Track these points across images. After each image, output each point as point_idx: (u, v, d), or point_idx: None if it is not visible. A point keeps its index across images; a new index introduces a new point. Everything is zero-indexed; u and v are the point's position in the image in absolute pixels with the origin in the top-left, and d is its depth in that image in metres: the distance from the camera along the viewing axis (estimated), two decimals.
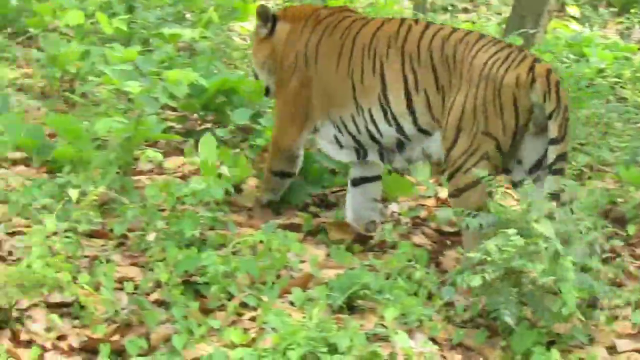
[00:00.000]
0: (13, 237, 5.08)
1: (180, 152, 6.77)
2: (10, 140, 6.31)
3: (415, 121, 5.37)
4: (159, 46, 8.40)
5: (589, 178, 6.28)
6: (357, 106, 5.53)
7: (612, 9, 12.39)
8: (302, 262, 5.06)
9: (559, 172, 4.98)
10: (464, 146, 5.10)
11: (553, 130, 4.96)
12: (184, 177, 6.16)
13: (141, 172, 6.34)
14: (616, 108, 7.76)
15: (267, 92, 6.08)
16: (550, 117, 4.97)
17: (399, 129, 5.42)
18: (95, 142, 6.20)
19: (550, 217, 4.47)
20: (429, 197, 6.29)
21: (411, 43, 5.38)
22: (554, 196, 4.81)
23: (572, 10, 12.51)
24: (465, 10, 12.43)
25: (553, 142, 4.97)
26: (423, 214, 6.06)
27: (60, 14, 8.56)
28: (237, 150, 6.60)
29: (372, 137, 5.55)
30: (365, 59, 5.51)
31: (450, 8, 12.03)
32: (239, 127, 6.85)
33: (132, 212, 5.23)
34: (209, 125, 7.14)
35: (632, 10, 12.27)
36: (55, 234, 4.65)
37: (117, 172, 5.72)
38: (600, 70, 9.06)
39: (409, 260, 5.02)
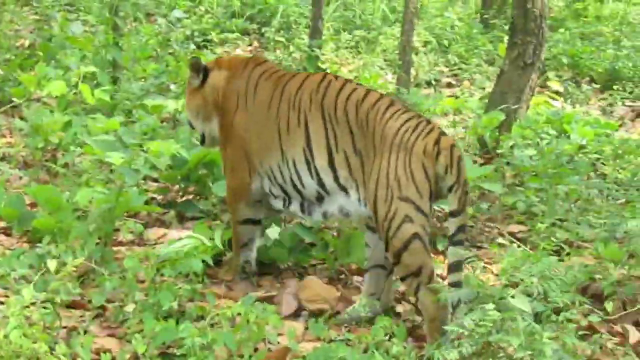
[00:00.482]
0: None
1: (161, 224, 6.83)
2: None
3: (336, 177, 5.53)
4: (142, 118, 8.51)
5: (568, 254, 6.33)
6: (283, 156, 5.70)
7: (594, 86, 12.59)
8: (280, 335, 5.08)
9: (459, 243, 5.13)
10: (384, 212, 5.24)
11: (452, 203, 5.16)
12: None
13: (121, 243, 6.39)
14: (596, 184, 7.86)
15: (203, 140, 6.23)
16: (450, 190, 5.17)
17: (320, 182, 5.59)
18: (76, 212, 6.27)
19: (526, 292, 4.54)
20: None
21: (330, 100, 5.57)
22: (456, 266, 5.05)
23: (555, 86, 12.70)
24: (449, 85, 12.62)
25: (452, 214, 5.15)
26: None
27: (44, 83, 8.67)
28: (217, 222, 6.67)
29: (295, 187, 5.70)
30: (291, 111, 5.69)
31: (434, 83, 12.22)
32: (219, 199, 6.92)
33: (111, 283, 5.28)
34: (190, 196, 7.22)
35: (614, 87, 12.49)
36: (33, 304, 4.66)
37: (97, 243, 5.77)
38: (581, 147, 9.17)
39: (387, 335, 5.07)
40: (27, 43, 11.12)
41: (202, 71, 6.11)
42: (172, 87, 10.16)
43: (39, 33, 11.26)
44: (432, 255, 5.54)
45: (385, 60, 12.77)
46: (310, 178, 5.61)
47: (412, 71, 10.72)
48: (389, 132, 5.30)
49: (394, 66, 10.35)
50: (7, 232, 6.43)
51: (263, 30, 13.81)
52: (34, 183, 6.98)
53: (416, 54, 12.45)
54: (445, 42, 13.97)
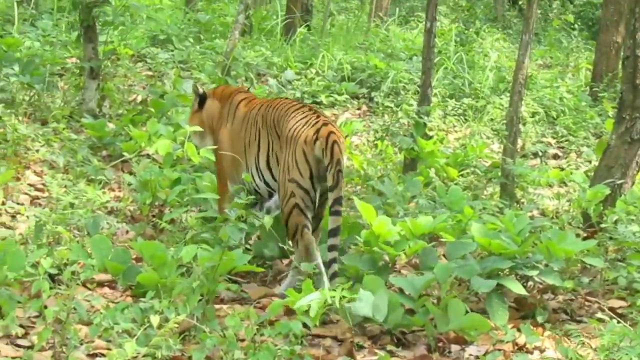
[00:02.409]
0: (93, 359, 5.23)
1: (263, 283, 6.92)
2: (98, 263, 6.53)
3: (272, 175, 7.19)
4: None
5: None
6: (247, 165, 7.33)
7: None
8: None
9: (336, 213, 6.69)
10: (282, 192, 6.95)
11: (329, 180, 6.73)
12: (264, 308, 6.27)
13: (223, 301, 6.50)
14: None
15: (198, 152, 7.36)
16: (326, 169, 6.74)
17: (264, 181, 7.26)
18: (180, 269, 6.40)
19: None
20: (507, 342, 6.26)
21: (269, 114, 7.20)
22: (334, 232, 6.66)
23: None
24: (556, 157, 12.51)
25: (330, 189, 6.73)
26: (499, 358, 6.04)
27: (154, 139, 8.89)
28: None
29: (256, 190, 7.35)
30: (252, 128, 7.31)
31: (540, 154, 12.12)
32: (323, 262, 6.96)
33: (212, 340, 5.34)
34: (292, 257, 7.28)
35: None
36: (134, 358, 4.75)
37: (200, 300, 5.85)
38: None
39: None
40: (139, 98, 11.42)
41: (199, 96, 7.76)
42: None
43: (152, 89, 11.52)
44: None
45: (492, 130, 12.73)
46: (259, 179, 7.26)
47: (519, 141, 10.65)
48: (287, 130, 6.96)
49: (500, 136, 10.30)
50: (112, 285, 6.58)
51: (372, 94, 13.92)
52: (140, 238, 7.13)
53: (524, 124, 12.39)
54: (554, 114, 13.87)
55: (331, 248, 6.70)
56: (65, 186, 7.79)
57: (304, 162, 6.83)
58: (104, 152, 9.62)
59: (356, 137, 11.71)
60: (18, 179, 8.35)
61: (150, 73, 13.19)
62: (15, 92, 10.53)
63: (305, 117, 6.95)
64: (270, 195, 7.27)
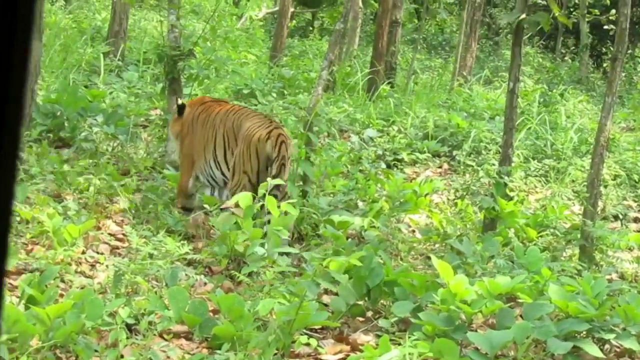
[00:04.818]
0: None
1: (338, 339, 6.91)
2: (175, 314, 6.60)
3: (227, 167, 8.87)
4: (326, 233, 8.68)
5: None
6: (206, 159, 9.00)
7: None
8: None
9: (275, 197, 8.11)
10: (235, 181, 8.64)
11: (273, 169, 8.44)
12: None
13: (298, 356, 6.48)
14: None
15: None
16: (272, 162, 8.44)
17: (221, 171, 8.95)
18: (256, 322, 6.42)
19: None
20: None
21: (226, 118, 8.89)
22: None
23: None
24: (637, 220, 12.32)
25: (273, 177, 8.21)
26: None
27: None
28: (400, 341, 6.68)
29: (213, 178, 9.08)
30: (209, 128, 8.97)
31: (621, 217, 11.94)
32: (398, 320, 6.94)
33: None
34: (369, 314, 7.28)
35: None
36: None
37: (275, 354, 5.88)
38: None
39: None
40: None
41: (178, 106, 9.41)
42: (360, 204, 10.32)
43: None
44: None
45: (573, 192, 12.60)
46: (217, 170, 8.94)
47: (600, 204, 10.54)
48: (243, 130, 8.59)
49: (581, 198, 10.19)
50: (188, 336, 6.62)
51: (454, 153, 13.91)
52: (218, 290, 7.19)
53: (605, 186, 12.25)
54: (635, 177, 13.69)
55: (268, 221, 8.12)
56: (145, 237, 7.91)
57: (255, 158, 8.52)
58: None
59: (436, 195, 11.69)
60: (99, 229, 8.49)
61: None
62: (99, 143, 10.76)
63: (260, 121, 8.71)
64: (225, 184, 8.99)
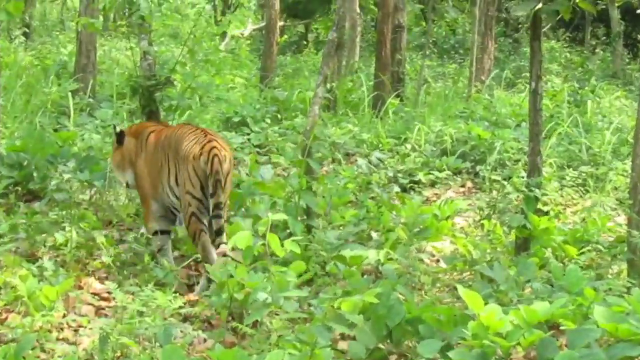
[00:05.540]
0: None
1: None
2: None
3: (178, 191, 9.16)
4: (333, 270, 8.70)
5: None
6: (162, 185, 9.27)
7: None
8: None
9: (216, 216, 8.75)
10: (183, 204, 9.02)
11: (210, 187, 8.79)
12: None
13: None
14: None
15: (127, 185, 9.93)
16: (208, 178, 8.79)
17: (175, 196, 9.20)
18: None
19: None
20: None
21: (173, 141, 9.19)
22: (218, 232, 8.74)
23: None
24: None
25: (210, 195, 8.79)
26: None
27: (230, 234, 9.02)
28: None
29: (173, 206, 9.32)
30: (161, 153, 9.29)
31: None
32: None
33: None
34: (393, 358, 7.29)
35: None
36: None
37: None
38: None
39: None
40: None
41: (117, 134, 9.82)
42: (374, 235, 10.34)
43: None
44: None
45: (616, 200, 12.58)
46: (172, 195, 9.20)
47: None
48: (181, 150, 9.00)
49: (625, 206, 10.17)
50: None
51: (477, 168, 13.94)
52: (219, 346, 7.19)
53: None
54: None
55: (218, 245, 8.73)
56: (133, 293, 7.93)
57: (194, 176, 8.89)
58: (175, 253, 9.78)
59: (460, 217, 11.72)
60: (80, 288, 8.52)
61: None
62: (73, 192, 10.81)
63: (196, 137, 9.05)
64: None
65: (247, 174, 12.10)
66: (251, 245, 8.17)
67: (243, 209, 10.55)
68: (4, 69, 16.81)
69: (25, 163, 11.54)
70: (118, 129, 9.93)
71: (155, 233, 9.48)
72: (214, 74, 19.72)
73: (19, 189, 11.28)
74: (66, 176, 10.84)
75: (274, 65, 20.59)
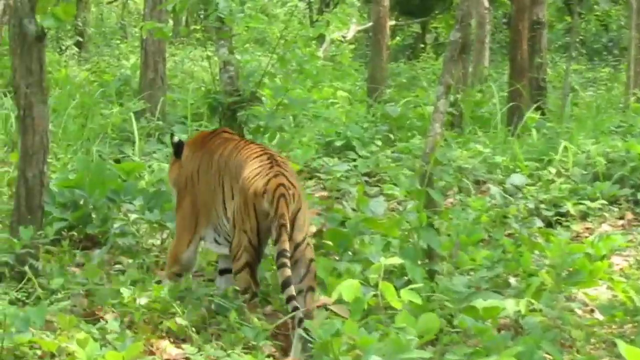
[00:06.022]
0: None
1: None
2: None
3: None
4: (463, 324, 8.65)
5: None
6: (217, 212, 9.48)
7: None
8: None
9: (282, 265, 8.43)
10: (236, 242, 9.07)
11: (273, 233, 8.73)
12: None
13: None
14: None
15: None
16: (271, 222, 8.74)
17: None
18: None
19: None
20: None
21: (232, 162, 9.35)
22: (285, 284, 8.37)
23: None
24: None
25: (274, 242, 8.72)
26: None
27: (333, 284, 9.03)
28: None
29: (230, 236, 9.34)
30: (216, 174, 9.49)
31: None
32: None
33: None
34: None
35: None
36: None
37: None
38: None
39: None
40: (313, 228, 11.59)
41: (175, 145, 10.05)
42: (512, 281, 10.25)
43: (329, 215, 11.66)
44: None
45: None
46: (230, 225, 9.26)
47: None
48: (241, 179, 9.02)
49: None
50: None
51: (639, 196, 13.78)
52: None
53: None
54: None
55: (288, 300, 8.39)
56: (217, 357, 7.94)
57: (253, 214, 8.91)
58: (267, 308, 9.80)
59: (619, 257, 11.57)
60: (152, 354, 8.56)
61: (325, 193, 13.41)
62: (140, 236, 10.86)
63: (260, 165, 9.03)
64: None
65: (353, 209, 12.08)
66: (361, 297, 8.16)
67: (350, 252, 10.52)
68: (53, 88, 17.02)
69: (81, 202, 11.58)
70: (177, 139, 10.08)
71: (175, 275, 9.74)
72: (310, 87, 19.83)
73: (75, 233, 11.30)
74: (132, 217, 10.93)
75: (385, 74, 20.60)
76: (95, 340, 8.21)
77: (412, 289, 8.27)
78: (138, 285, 9.43)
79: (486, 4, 21.47)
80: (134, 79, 18.94)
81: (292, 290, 8.37)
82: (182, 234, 9.76)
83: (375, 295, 8.20)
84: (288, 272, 8.42)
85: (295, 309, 8.34)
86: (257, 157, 9.17)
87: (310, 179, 14.23)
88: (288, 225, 8.68)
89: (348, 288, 8.24)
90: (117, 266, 10.17)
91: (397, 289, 8.38)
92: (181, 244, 9.72)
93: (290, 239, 8.69)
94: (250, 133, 11.54)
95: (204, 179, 9.65)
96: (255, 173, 8.94)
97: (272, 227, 8.73)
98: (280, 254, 8.51)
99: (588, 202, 13.63)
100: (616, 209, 13.78)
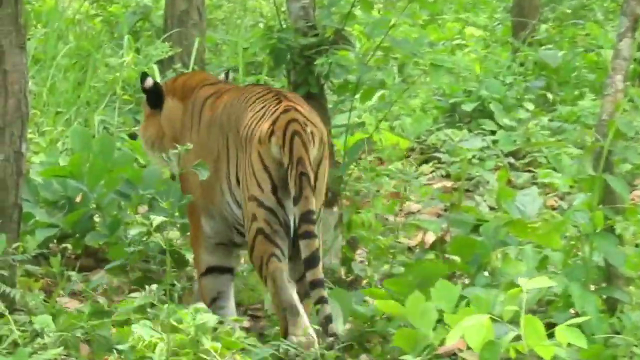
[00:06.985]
0: None
1: None
2: None
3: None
4: None
5: None
6: (220, 187, 9.78)
7: None
8: None
9: (307, 235, 8.89)
10: (245, 216, 9.39)
11: (290, 188, 9.04)
12: None
13: None
14: None
15: (173, 176, 10.49)
16: (286, 172, 9.05)
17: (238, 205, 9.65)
18: None
19: None
20: None
21: (234, 111, 9.65)
22: (311, 262, 8.90)
23: None
24: None
25: (294, 201, 9.01)
26: None
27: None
28: None
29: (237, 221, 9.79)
30: (218, 134, 9.76)
31: None
32: None
33: None
34: None
35: None
36: None
37: None
38: None
39: None
40: (428, 237, 11.67)
41: (151, 92, 10.47)
42: None
43: (454, 215, 11.66)
44: None
45: None
46: (235, 204, 9.63)
47: None
48: (242, 128, 9.36)
49: None
50: None
51: None
52: None
53: None
54: None
55: (313, 284, 8.95)
56: None
57: (261, 170, 9.20)
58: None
59: None
60: None
61: (447, 183, 13.45)
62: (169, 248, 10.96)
63: (264, 106, 9.38)
64: None
65: (492, 207, 12.08)
66: (493, 341, 8.11)
67: (486, 272, 10.45)
68: (34, 25, 17.02)
69: (77, 199, 11.45)
70: (151, 82, 10.40)
71: (205, 272, 10.00)
72: (425, 21, 19.86)
73: (68, 246, 11.31)
74: (155, 219, 10.87)
75: (538, 1, 20.55)
76: None
77: (575, 325, 8.18)
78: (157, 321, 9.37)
79: None
80: (156, 11, 18.92)
81: (319, 272, 9.01)
82: (192, 213, 10.13)
83: (518, 338, 8.14)
84: (316, 243, 8.95)
85: (322, 301, 8.99)
86: (259, 97, 9.48)
87: (426, 161, 14.23)
88: (312, 174, 9.02)
89: (473, 328, 8.17)
90: (134, 294, 10.13)
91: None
92: (193, 233, 10.23)
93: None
94: (335, 91, 11.48)
95: (204, 141, 9.82)
96: (260, 115, 9.26)
97: (288, 180, 9.02)
98: (304, 217, 8.94)
99: None
100: None
